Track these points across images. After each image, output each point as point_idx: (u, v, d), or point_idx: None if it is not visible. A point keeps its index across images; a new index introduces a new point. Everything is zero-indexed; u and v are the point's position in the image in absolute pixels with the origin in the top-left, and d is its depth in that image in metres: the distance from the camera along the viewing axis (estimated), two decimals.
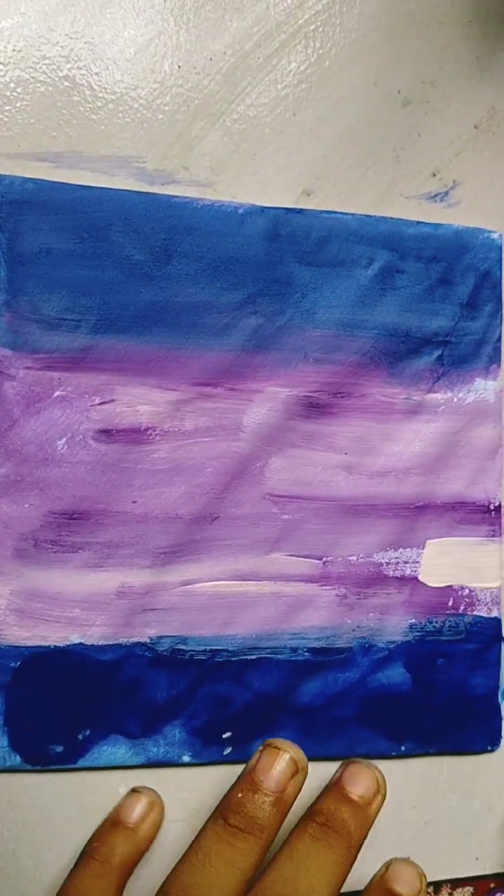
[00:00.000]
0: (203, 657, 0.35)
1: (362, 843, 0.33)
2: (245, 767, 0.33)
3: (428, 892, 0.38)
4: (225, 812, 0.32)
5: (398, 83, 0.37)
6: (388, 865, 0.33)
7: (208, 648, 0.35)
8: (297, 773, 0.33)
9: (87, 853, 0.33)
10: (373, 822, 0.33)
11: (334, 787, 0.33)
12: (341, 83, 0.37)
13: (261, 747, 0.33)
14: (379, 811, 0.34)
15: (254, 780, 0.32)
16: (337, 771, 0.34)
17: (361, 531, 0.37)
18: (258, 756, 0.33)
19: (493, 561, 0.38)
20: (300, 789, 0.33)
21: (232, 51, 0.36)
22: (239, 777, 0.33)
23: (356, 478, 0.37)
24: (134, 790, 0.35)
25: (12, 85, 0.34)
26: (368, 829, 0.33)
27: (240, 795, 0.32)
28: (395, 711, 0.37)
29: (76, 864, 0.33)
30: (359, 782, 0.33)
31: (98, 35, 0.34)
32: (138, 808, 0.34)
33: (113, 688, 0.35)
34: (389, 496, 0.37)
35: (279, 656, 0.36)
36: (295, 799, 0.33)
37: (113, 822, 0.34)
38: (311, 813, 0.33)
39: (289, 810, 0.33)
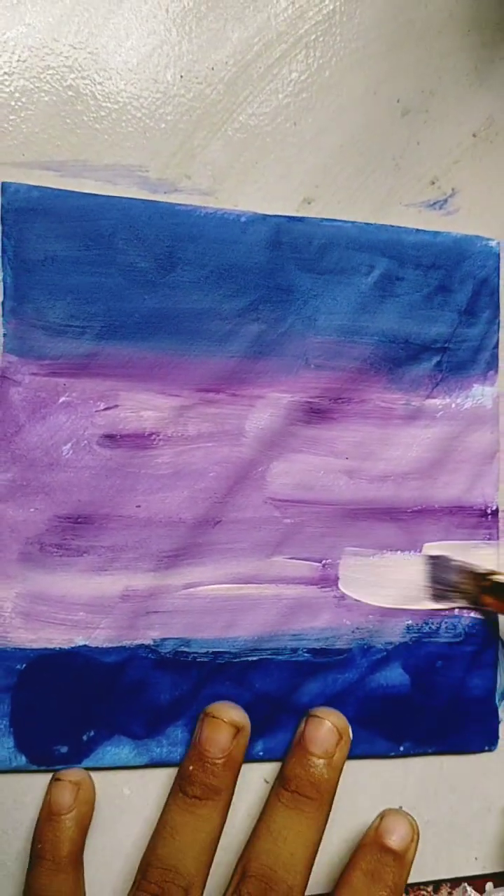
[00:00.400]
0: (205, 659, 0.36)
1: (334, 794, 0.35)
2: (192, 740, 0.35)
3: (427, 891, 0.39)
4: (182, 785, 0.34)
5: (397, 92, 0.38)
6: (381, 817, 0.36)
7: (211, 650, 0.36)
8: (239, 732, 0.35)
9: (37, 854, 0.34)
10: (341, 769, 0.36)
11: (298, 749, 0.36)
12: (341, 92, 0.37)
13: (201, 717, 0.35)
14: (346, 756, 0.36)
15: (201, 751, 0.35)
16: (300, 725, 0.36)
17: (360, 534, 0.37)
18: (201, 727, 0.35)
19: (489, 564, 0.38)
20: (246, 745, 0.35)
21: (234, 61, 0.36)
22: (188, 750, 0.35)
23: (356, 482, 0.37)
24: (56, 778, 0.35)
25: (17, 95, 0.34)
26: (337, 779, 0.35)
27: (191, 768, 0.34)
28: (394, 712, 0.38)
29: (29, 869, 0.34)
30: (320, 738, 0.35)
31: (102, 45, 0.35)
32: (66, 794, 0.34)
33: (117, 689, 0.35)
34: (388, 500, 0.38)
35: (280, 657, 0.36)
36: (243, 755, 0.35)
37: (47, 818, 0.34)
38: (281, 780, 0.35)
39: (240, 766, 0.35)
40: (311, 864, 0.35)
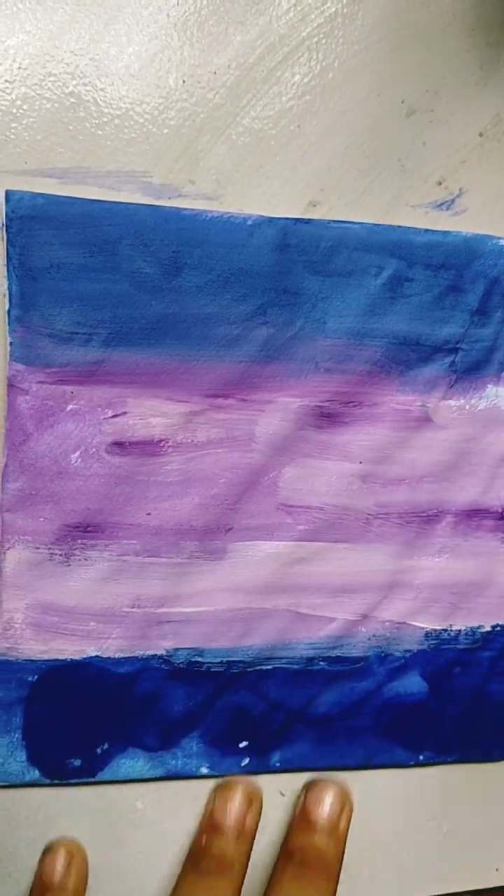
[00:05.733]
0: (220, 669, 0.35)
1: (342, 859, 0.34)
2: (203, 813, 0.35)
3: None
4: (195, 859, 0.33)
5: (402, 93, 0.37)
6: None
7: (225, 660, 0.35)
8: (253, 803, 0.34)
9: None
10: (345, 837, 0.34)
11: (301, 817, 0.35)
12: (345, 94, 0.37)
13: (213, 788, 0.35)
14: (349, 824, 0.35)
15: (213, 822, 0.34)
16: (300, 795, 0.36)
17: (375, 540, 0.37)
18: (213, 798, 0.34)
19: None
20: (259, 817, 0.35)
21: (236, 64, 0.36)
22: (200, 823, 0.34)
23: (370, 486, 0.37)
24: (47, 849, 0.34)
25: (18, 102, 0.34)
26: (344, 846, 0.34)
27: (204, 842, 0.33)
28: (413, 720, 0.37)
29: None
30: (322, 805, 0.35)
31: (103, 51, 0.35)
32: (58, 865, 0.33)
33: (130, 701, 0.34)
34: (403, 504, 0.37)
35: (295, 666, 0.36)
36: (256, 827, 0.34)
37: (41, 891, 0.33)
38: (286, 853, 0.34)
39: (253, 839, 0.34)
40: None
